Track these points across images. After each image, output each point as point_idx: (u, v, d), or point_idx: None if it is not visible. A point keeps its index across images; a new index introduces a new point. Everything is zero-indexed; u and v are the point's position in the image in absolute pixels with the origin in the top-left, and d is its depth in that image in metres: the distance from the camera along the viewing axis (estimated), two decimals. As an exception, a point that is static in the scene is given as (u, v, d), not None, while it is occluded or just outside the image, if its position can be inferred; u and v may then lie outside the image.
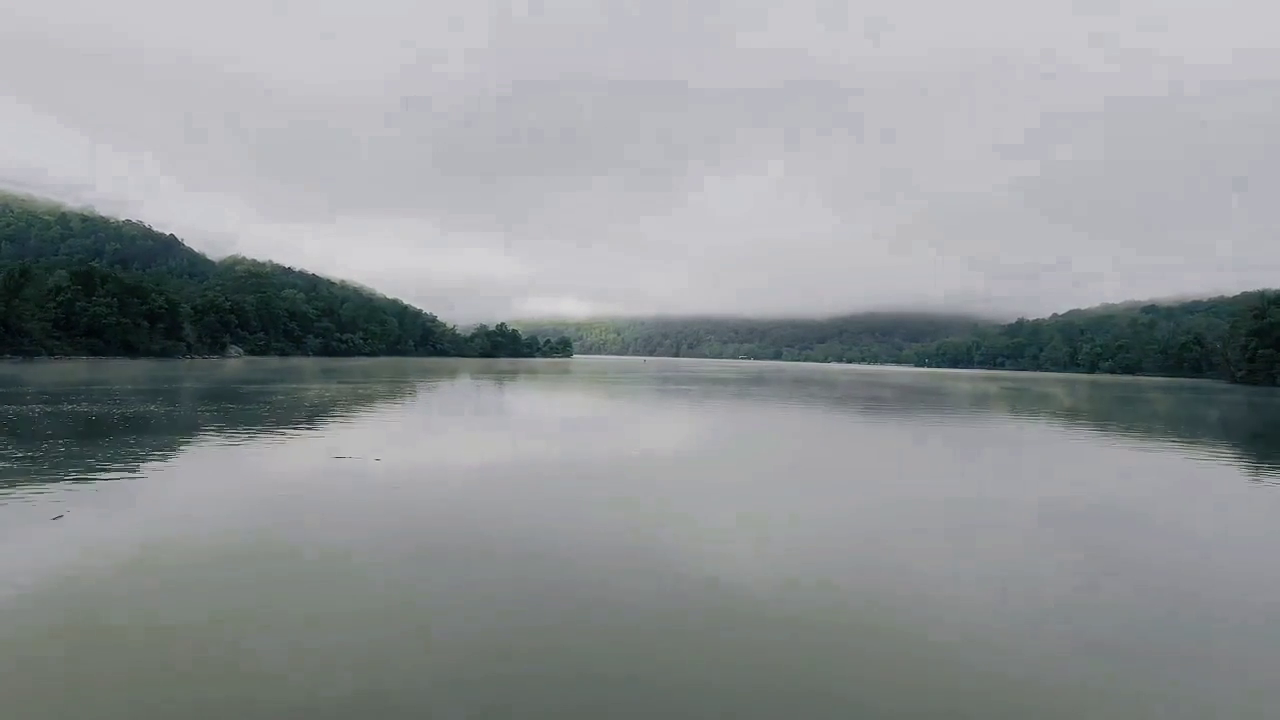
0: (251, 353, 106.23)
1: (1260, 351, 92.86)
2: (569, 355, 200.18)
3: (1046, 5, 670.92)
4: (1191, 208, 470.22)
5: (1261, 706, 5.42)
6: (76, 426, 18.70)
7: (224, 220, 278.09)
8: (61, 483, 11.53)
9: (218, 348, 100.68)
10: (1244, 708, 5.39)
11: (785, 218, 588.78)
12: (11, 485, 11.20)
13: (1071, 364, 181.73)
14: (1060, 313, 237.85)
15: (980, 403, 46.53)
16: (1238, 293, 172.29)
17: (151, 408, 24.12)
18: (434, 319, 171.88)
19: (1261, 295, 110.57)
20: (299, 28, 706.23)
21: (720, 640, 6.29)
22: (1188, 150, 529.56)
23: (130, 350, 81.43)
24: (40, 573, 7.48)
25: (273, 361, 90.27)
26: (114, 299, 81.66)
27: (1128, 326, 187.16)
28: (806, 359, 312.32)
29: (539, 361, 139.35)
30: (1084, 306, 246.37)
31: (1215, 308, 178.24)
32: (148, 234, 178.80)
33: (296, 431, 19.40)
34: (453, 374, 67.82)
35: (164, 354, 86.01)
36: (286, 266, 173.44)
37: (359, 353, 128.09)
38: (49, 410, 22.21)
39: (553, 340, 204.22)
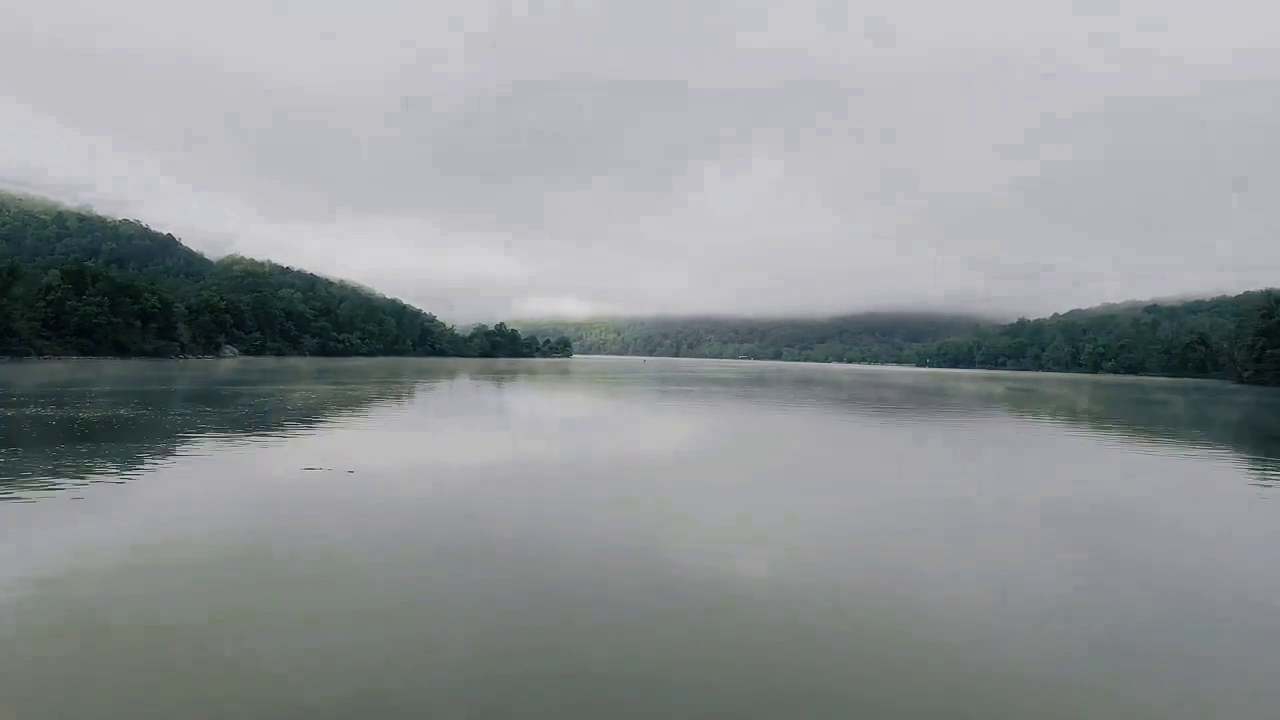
0: (247, 353, 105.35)
1: (1268, 351, 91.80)
2: (568, 355, 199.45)
3: (1046, 5, 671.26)
4: (1191, 208, 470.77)
5: (1262, 706, 5.39)
6: (30, 432, 17.44)
7: (224, 220, 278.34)
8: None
9: (212, 348, 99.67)
10: (1244, 708, 5.36)
11: (785, 218, 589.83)
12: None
13: (1074, 364, 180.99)
14: (1061, 312, 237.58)
15: (992, 404, 46.21)
16: (1240, 292, 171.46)
17: (121, 411, 22.77)
18: (433, 319, 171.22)
19: (1268, 295, 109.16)
20: (299, 28, 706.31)
21: (720, 640, 6.26)
22: (1188, 150, 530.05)
23: (122, 350, 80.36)
24: None
25: (268, 361, 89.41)
26: (105, 298, 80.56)
27: (1130, 326, 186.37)
28: (807, 359, 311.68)
29: (538, 361, 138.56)
30: (1085, 306, 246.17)
31: (1218, 307, 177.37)
32: (145, 233, 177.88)
33: (267, 437, 18.19)
34: (448, 374, 67.24)
35: (156, 354, 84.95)
36: (285, 266, 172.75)
37: (356, 353, 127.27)
38: (7, 415, 20.97)
39: (552, 340, 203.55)
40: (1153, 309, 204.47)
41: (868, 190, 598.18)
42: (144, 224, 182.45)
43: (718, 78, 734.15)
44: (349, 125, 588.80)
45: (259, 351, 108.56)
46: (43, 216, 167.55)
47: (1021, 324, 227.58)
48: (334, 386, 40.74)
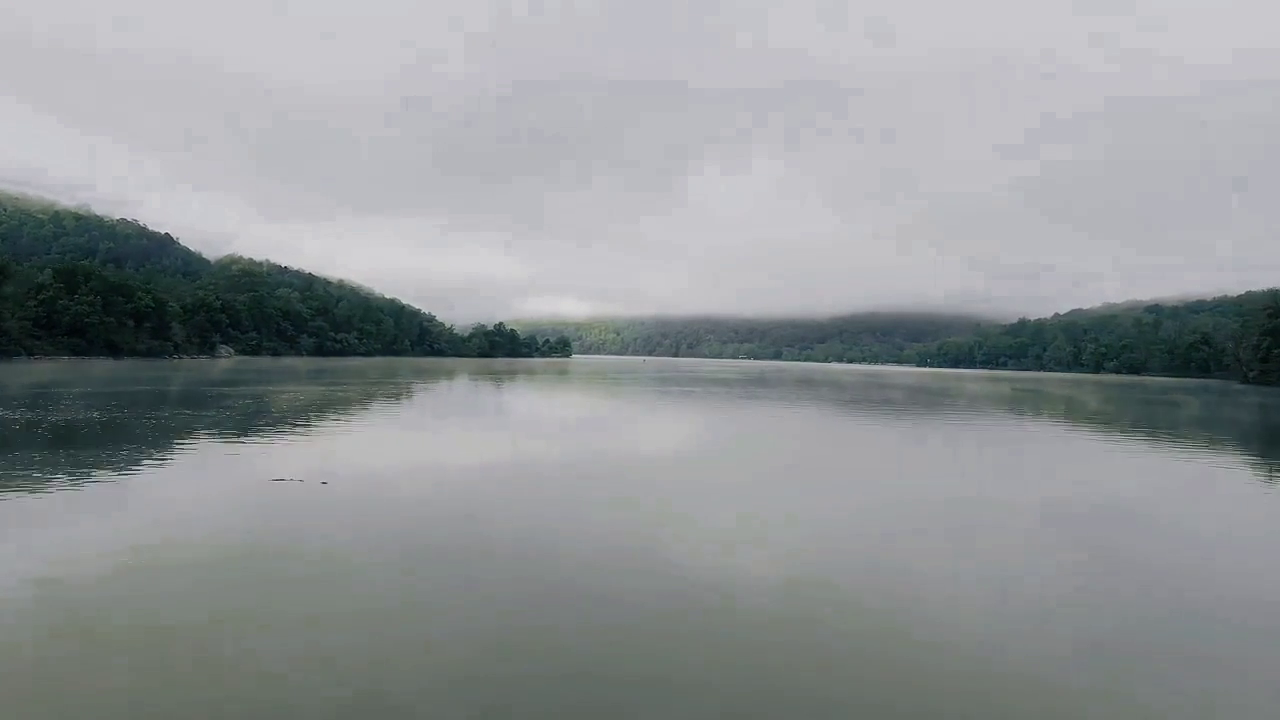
0: (243, 353, 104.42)
1: (1275, 351, 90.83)
2: (568, 355, 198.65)
3: (1046, 5, 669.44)
4: (1191, 208, 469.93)
5: (1262, 706, 5.38)
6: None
7: (224, 220, 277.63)
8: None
9: (207, 348, 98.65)
10: (1244, 708, 5.34)
11: (785, 218, 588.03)
12: None
13: (1075, 364, 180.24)
14: (1062, 312, 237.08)
15: (1003, 405, 45.47)
16: (1241, 292, 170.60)
17: (94, 414, 21.51)
18: (431, 318, 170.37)
19: (1274, 294, 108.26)
20: (299, 28, 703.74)
21: (720, 640, 6.25)
22: (1188, 150, 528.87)
23: (114, 350, 79.23)
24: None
25: (263, 361, 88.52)
26: (97, 297, 79.33)
27: (1132, 326, 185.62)
28: (807, 359, 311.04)
29: (537, 361, 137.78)
30: (1085, 306, 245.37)
31: (1220, 307, 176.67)
32: (142, 233, 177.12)
33: (238, 443, 17.08)
34: (445, 374, 66.51)
35: (150, 354, 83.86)
36: (283, 266, 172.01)
37: (353, 352, 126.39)
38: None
39: (551, 340, 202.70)
40: (1154, 309, 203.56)
41: (868, 190, 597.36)
42: (142, 223, 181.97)
43: (718, 78, 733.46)
44: (349, 125, 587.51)
45: (255, 351, 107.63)
46: (39, 216, 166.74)
47: (1023, 324, 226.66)
48: (323, 388, 39.63)
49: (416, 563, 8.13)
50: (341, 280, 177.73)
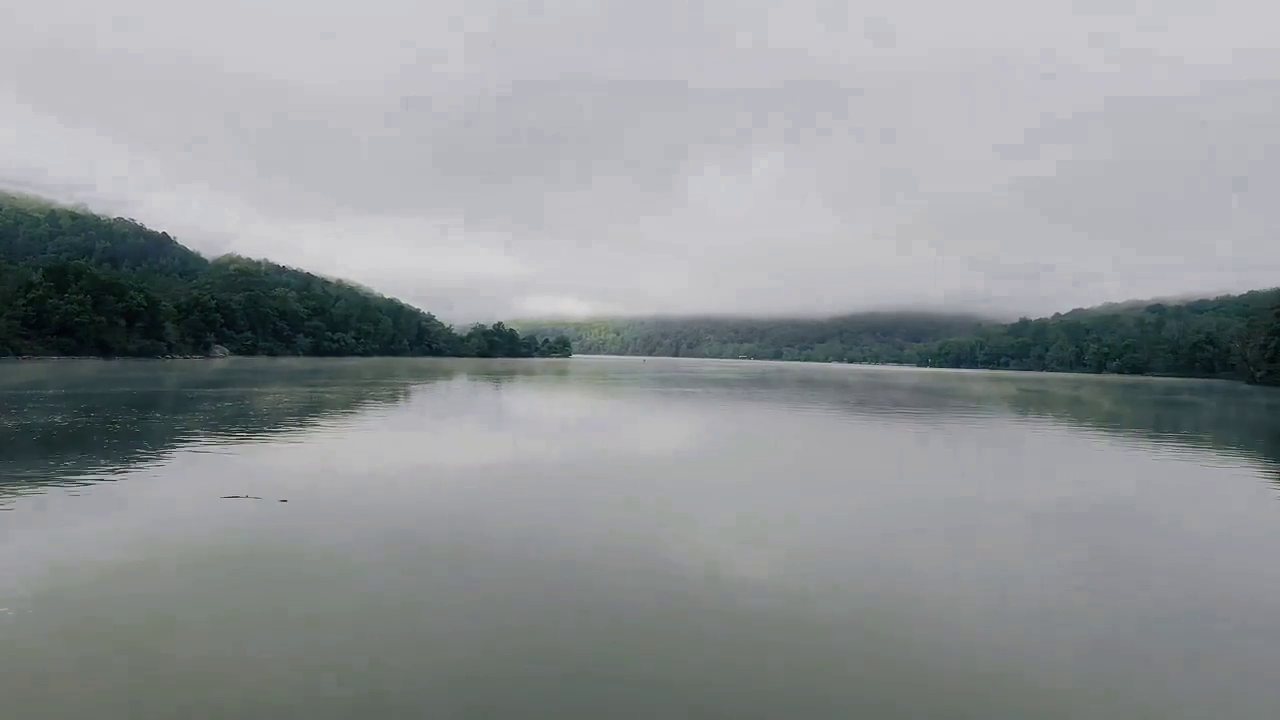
0: (238, 353, 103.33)
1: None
2: (567, 355, 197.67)
3: (1046, 5, 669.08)
4: (1191, 208, 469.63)
5: (1262, 706, 5.33)
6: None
7: (224, 220, 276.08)
8: None
9: (201, 348, 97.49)
10: (1245, 708, 5.29)
11: (785, 218, 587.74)
12: None
13: (1078, 364, 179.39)
14: (1063, 312, 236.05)
15: (1011, 406, 44.16)
16: (1244, 292, 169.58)
17: (56, 419, 20.00)
18: (430, 318, 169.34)
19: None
20: (299, 28, 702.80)
21: (720, 640, 6.21)
22: (1188, 150, 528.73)
23: (105, 350, 77.90)
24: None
25: (258, 361, 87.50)
26: (88, 296, 77.99)
27: (1134, 326, 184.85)
28: (807, 359, 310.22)
29: (536, 361, 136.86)
30: (1086, 306, 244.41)
31: (1223, 307, 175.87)
32: (139, 232, 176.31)
33: (207, 449, 15.90)
34: (443, 374, 66.14)
35: (142, 354, 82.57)
36: (281, 265, 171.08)
37: (351, 352, 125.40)
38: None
39: (551, 340, 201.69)
40: (1156, 308, 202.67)
41: (868, 190, 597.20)
42: (139, 222, 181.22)
43: (718, 77, 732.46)
44: (349, 125, 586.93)
45: (250, 351, 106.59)
46: (35, 215, 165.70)
47: (1024, 324, 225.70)
48: (312, 389, 38.41)
49: (416, 563, 8.12)
50: (340, 280, 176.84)
